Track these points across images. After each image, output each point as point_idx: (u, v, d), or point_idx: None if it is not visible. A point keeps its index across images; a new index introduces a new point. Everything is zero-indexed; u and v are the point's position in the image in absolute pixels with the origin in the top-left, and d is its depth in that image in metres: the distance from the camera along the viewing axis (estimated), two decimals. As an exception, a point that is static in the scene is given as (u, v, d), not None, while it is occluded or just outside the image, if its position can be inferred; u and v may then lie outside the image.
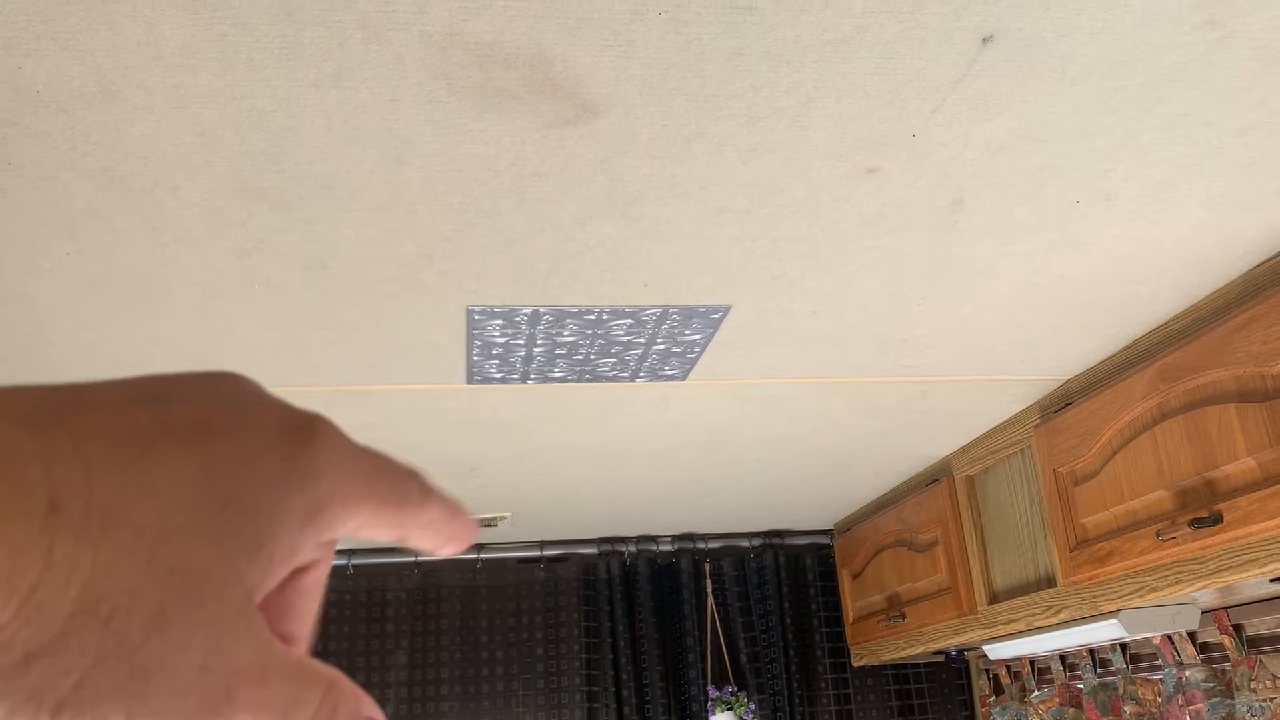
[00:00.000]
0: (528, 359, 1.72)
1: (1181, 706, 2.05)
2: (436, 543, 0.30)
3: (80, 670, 0.21)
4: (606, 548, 3.14)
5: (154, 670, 0.22)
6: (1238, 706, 1.94)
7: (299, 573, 0.28)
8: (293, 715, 0.25)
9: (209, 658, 0.23)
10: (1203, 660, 2.06)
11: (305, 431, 0.26)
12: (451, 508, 0.30)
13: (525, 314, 1.55)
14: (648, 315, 1.59)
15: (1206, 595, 1.83)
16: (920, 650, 2.67)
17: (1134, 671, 2.30)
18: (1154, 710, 2.21)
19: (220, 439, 0.24)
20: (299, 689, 0.25)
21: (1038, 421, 2.08)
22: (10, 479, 0.21)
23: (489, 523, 2.83)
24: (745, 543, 3.22)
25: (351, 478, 0.27)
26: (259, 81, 0.99)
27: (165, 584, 0.22)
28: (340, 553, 3.05)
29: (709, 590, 3.17)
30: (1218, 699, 1.98)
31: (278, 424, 0.26)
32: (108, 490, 0.22)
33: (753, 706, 3.06)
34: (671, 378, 1.85)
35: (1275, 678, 1.90)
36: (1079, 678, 2.47)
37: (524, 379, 1.81)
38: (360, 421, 1.97)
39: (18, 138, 1.05)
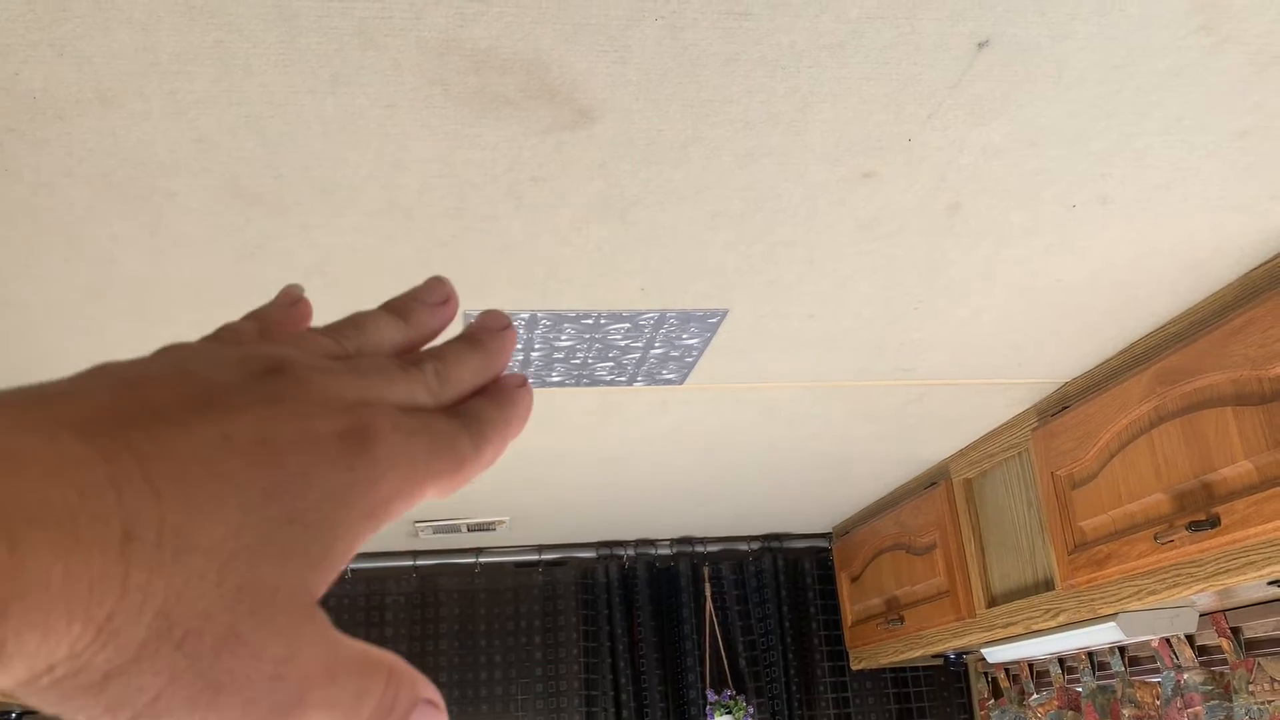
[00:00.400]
0: (525, 363, 1.72)
1: (1180, 709, 2.05)
2: (503, 448, 0.31)
3: (155, 689, 0.22)
4: (605, 551, 3.14)
5: (226, 684, 0.23)
6: (1236, 709, 1.94)
7: None
8: (360, 707, 0.25)
9: (280, 667, 0.24)
10: (1201, 663, 2.06)
11: (363, 438, 0.26)
12: (502, 425, 0.30)
13: (523, 318, 1.55)
14: (645, 319, 1.59)
15: (1204, 598, 1.83)
16: (919, 653, 2.67)
17: (1132, 674, 2.30)
18: (1152, 713, 2.21)
19: (284, 456, 0.25)
20: (363, 680, 0.25)
21: (1035, 425, 2.08)
22: (87, 510, 0.21)
23: (487, 526, 2.82)
24: (744, 546, 3.21)
25: (410, 470, 0.27)
26: (256, 87, 0.99)
27: (235, 604, 0.23)
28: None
29: (708, 594, 3.17)
30: (1216, 702, 1.98)
31: (336, 434, 0.26)
32: (178, 515, 0.22)
33: (751, 710, 3.06)
34: (669, 382, 1.85)
35: (1273, 680, 1.90)
36: (1077, 681, 2.47)
37: (522, 383, 1.81)
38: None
39: (15, 144, 1.05)
